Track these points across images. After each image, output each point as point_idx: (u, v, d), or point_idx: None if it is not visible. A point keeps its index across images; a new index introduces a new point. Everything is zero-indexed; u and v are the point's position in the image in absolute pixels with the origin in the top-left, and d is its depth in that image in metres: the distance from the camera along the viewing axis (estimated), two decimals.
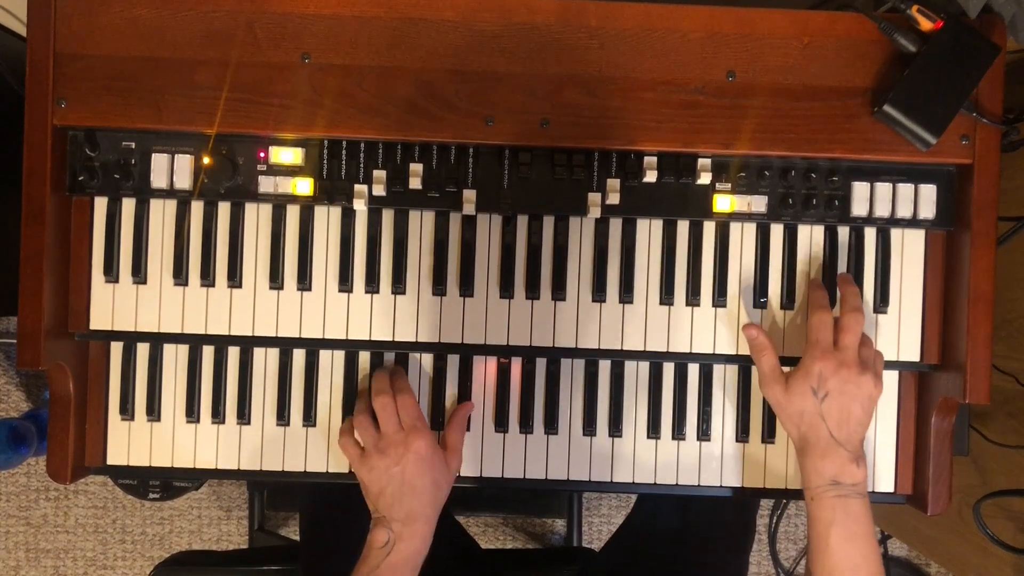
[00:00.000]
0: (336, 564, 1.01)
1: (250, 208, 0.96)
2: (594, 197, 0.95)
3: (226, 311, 0.96)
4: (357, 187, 0.94)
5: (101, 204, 0.95)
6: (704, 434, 0.99)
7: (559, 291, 0.96)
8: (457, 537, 1.21)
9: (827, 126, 0.92)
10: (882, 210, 0.96)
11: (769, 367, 0.93)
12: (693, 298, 0.97)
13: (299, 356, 0.98)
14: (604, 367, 0.99)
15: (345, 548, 0.97)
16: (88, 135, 0.92)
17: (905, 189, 0.96)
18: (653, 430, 0.99)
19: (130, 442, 0.98)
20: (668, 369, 0.99)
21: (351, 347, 0.98)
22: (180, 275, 0.95)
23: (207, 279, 0.96)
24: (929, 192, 0.96)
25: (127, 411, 0.97)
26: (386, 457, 0.89)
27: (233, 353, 0.98)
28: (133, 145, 0.94)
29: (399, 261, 0.96)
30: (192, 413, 0.97)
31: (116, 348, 0.98)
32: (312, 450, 0.98)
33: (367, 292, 0.96)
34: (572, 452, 0.99)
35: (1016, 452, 1.23)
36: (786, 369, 0.93)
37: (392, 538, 0.87)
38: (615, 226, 0.97)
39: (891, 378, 1.00)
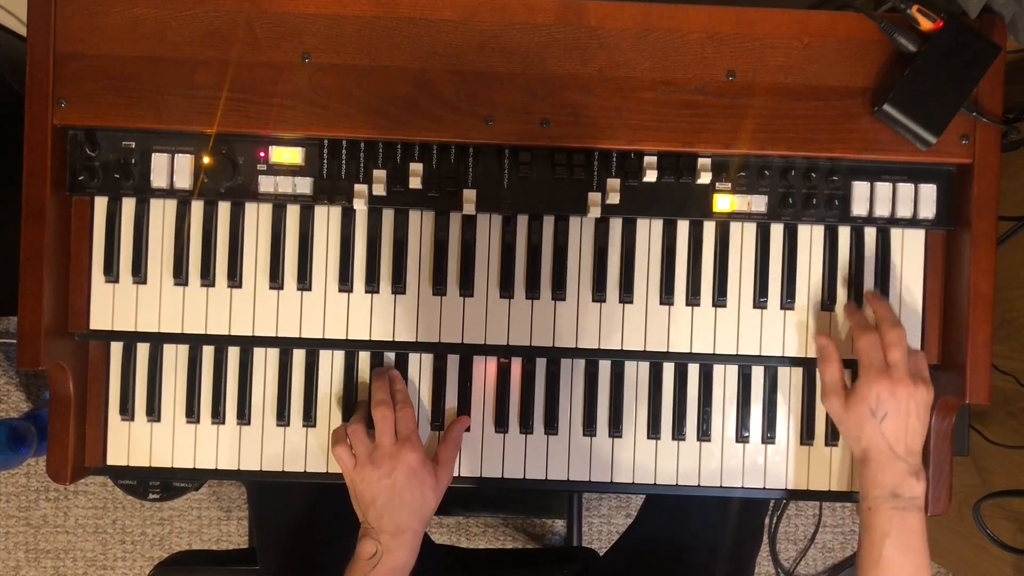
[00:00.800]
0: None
1: (250, 208, 0.96)
2: (594, 197, 0.95)
3: (226, 311, 0.96)
4: (357, 187, 0.94)
5: (101, 204, 0.95)
6: (704, 435, 0.99)
7: (559, 291, 0.96)
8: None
9: (827, 126, 0.92)
10: (882, 210, 0.96)
11: (832, 380, 0.93)
12: (693, 298, 0.97)
13: (299, 356, 0.98)
14: (604, 367, 0.99)
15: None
16: (88, 135, 0.93)
17: (905, 189, 0.96)
18: (653, 430, 0.99)
19: (130, 442, 0.98)
20: (668, 369, 0.99)
21: (351, 347, 0.98)
22: (180, 275, 0.95)
23: (207, 279, 0.96)
24: (929, 192, 0.96)
25: (127, 411, 0.97)
26: (378, 468, 0.90)
27: (233, 353, 0.98)
28: (133, 145, 0.94)
29: (399, 261, 0.96)
30: (192, 413, 0.97)
31: (116, 348, 0.98)
32: (312, 450, 0.98)
33: (367, 292, 0.96)
34: (572, 452, 0.99)
35: (1016, 452, 1.23)
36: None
37: (380, 550, 0.88)
38: (615, 226, 0.97)
39: None
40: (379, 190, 0.94)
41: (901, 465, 0.86)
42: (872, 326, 0.92)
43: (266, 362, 0.98)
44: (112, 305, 0.96)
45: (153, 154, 0.94)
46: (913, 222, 0.97)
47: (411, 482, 0.90)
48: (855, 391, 0.90)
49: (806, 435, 0.99)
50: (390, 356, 0.99)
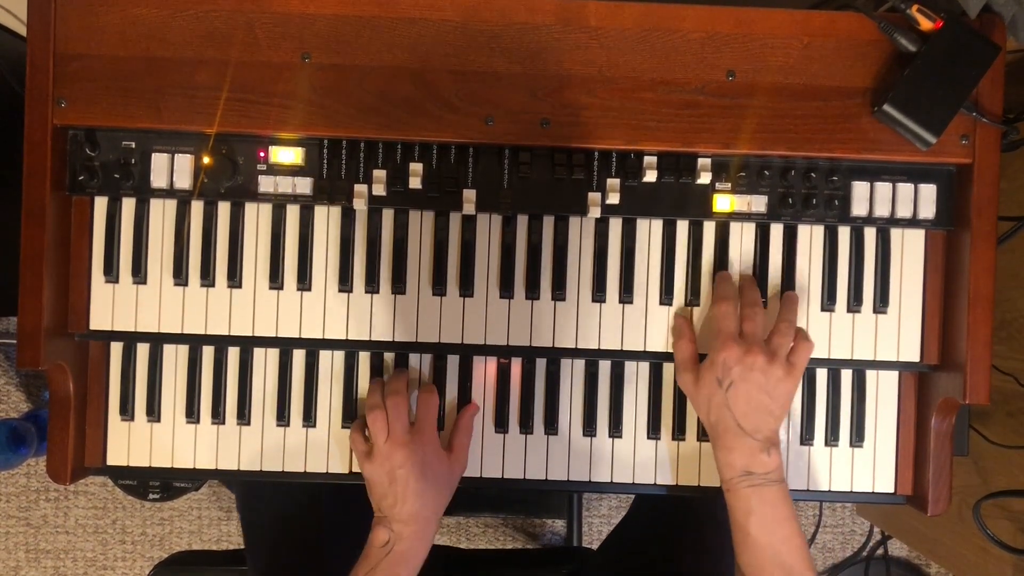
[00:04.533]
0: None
1: (250, 208, 0.96)
2: (594, 197, 0.95)
3: (226, 311, 0.96)
4: (357, 187, 0.94)
5: (101, 204, 0.95)
6: (704, 435, 0.99)
7: (559, 291, 0.96)
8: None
9: (827, 126, 0.92)
10: (882, 210, 0.96)
11: (683, 356, 0.94)
12: (693, 298, 0.97)
13: (299, 356, 0.98)
14: (604, 367, 0.99)
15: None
16: (88, 135, 0.93)
17: (905, 189, 0.96)
18: (653, 430, 0.99)
19: (130, 443, 0.98)
20: (668, 369, 0.99)
21: (351, 347, 0.98)
22: (180, 275, 0.95)
23: (207, 279, 0.96)
24: (929, 192, 0.96)
25: (127, 411, 0.97)
26: (392, 458, 0.90)
27: (233, 353, 0.98)
28: (133, 145, 0.94)
29: (399, 261, 0.96)
30: (192, 414, 0.97)
31: (116, 348, 0.98)
32: (312, 451, 0.98)
33: (367, 292, 0.96)
34: (572, 452, 0.99)
35: (1016, 452, 1.23)
36: None
37: (392, 538, 0.88)
38: (615, 226, 0.97)
39: (891, 378, 1.00)
40: (379, 190, 0.94)
41: (749, 442, 0.86)
42: (733, 297, 0.92)
43: (266, 362, 0.98)
44: (112, 305, 0.96)
45: (153, 154, 0.94)
46: (913, 222, 0.97)
47: (424, 472, 0.90)
48: (705, 361, 0.90)
49: (805, 435, 0.99)
50: (390, 356, 0.99)
